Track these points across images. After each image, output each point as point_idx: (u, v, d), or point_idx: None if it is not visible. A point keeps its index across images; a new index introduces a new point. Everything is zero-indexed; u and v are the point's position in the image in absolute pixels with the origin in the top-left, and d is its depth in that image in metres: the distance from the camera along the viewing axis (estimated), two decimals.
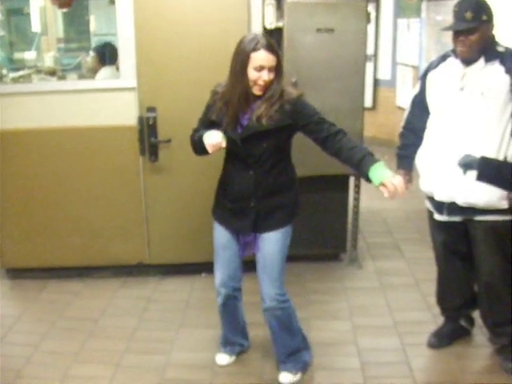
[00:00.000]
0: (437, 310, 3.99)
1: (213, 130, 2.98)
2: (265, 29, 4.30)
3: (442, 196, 3.35)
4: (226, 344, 3.65)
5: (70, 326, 4.13)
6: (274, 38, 2.93)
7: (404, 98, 8.92)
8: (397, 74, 9.22)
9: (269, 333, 3.44)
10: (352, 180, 4.86)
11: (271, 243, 3.20)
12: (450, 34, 3.27)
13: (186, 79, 4.34)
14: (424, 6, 7.97)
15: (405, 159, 3.68)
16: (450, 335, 3.81)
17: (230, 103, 2.98)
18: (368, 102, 9.13)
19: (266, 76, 2.87)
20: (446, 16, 7.04)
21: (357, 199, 4.91)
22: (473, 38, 3.10)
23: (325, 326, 4.09)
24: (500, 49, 3.18)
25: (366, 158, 2.89)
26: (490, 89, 3.13)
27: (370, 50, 8.85)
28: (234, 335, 3.63)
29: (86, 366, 3.63)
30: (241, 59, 2.91)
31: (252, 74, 2.88)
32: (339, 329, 4.05)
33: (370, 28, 8.42)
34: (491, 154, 3.15)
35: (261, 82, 2.89)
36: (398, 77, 9.17)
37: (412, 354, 3.71)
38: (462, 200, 3.27)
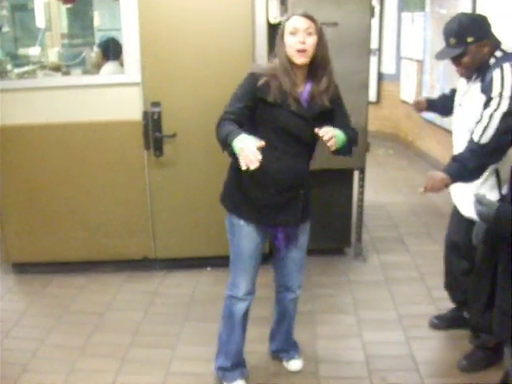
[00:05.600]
0: (441, 303, 4.02)
1: (244, 135, 2.60)
2: (269, 23, 4.31)
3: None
4: (237, 367, 3.32)
5: (75, 320, 4.15)
6: (277, 33, 2.89)
7: (408, 91, 8.92)
8: (401, 68, 9.21)
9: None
10: (357, 174, 4.86)
11: (305, 233, 3.19)
12: None
13: (190, 74, 4.35)
14: None
15: (433, 100, 3.83)
16: (450, 320, 3.88)
17: (287, 75, 2.82)
18: (372, 96, 9.12)
19: (301, 37, 2.75)
20: (451, 10, 7.02)
21: (361, 193, 4.91)
22: (464, 60, 3.13)
23: (329, 319, 4.10)
24: (492, 60, 3.13)
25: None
26: (472, 105, 3.17)
27: (374, 44, 8.85)
28: (242, 350, 3.35)
29: (92, 360, 3.65)
30: (279, 32, 2.85)
31: (288, 40, 2.79)
32: (344, 322, 4.06)
33: (374, 22, 8.42)
34: None
35: (297, 46, 2.76)
36: (402, 71, 9.16)
37: (416, 347, 3.72)
38: (464, 212, 3.38)
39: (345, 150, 2.92)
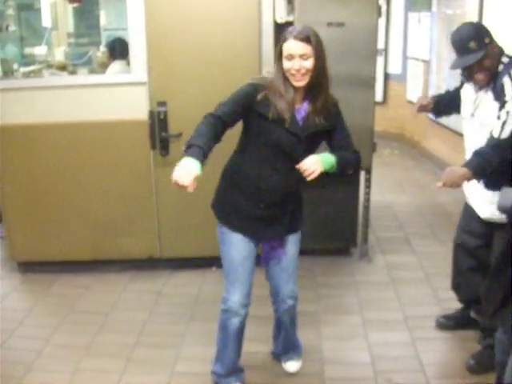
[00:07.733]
0: (447, 304, 4.00)
1: (191, 160, 2.65)
2: (275, 23, 4.30)
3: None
4: (232, 373, 3.31)
5: (80, 319, 4.15)
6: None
7: (414, 92, 8.89)
8: (407, 68, 9.19)
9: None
10: (363, 174, 4.85)
11: (294, 244, 3.16)
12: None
13: (196, 73, 4.34)
14: None
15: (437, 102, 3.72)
16: (457, 320, 3.88)
17: (282, 97, 2.80)
18: (378, 97, 9.10)
19: (296, 65, 2.72)
20: (457, 10, 7.00)
21: (367, 193, 4.90)
22: (486, 63, 3.11)
23: (335, 320, 4.08)
24: (500, 67, 3.15)
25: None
26: (487, 115, 3.17)
27: (380, 44, 8.82)
28: (238, 360, 3.33)
29: (97, 360, 3.65)
30: (277, 51, 2.82)
31: (285, 64, 2.76)
32: (349, 323, 4.05)
33: (381, 22, 8.40)
34: None
35: (293, 72, 2.74)
36: (409, 71, 9.14)
37: (422, 348, 3.70)
38: (482, 214, 3.40)
39: (336, 171, 2.87)
